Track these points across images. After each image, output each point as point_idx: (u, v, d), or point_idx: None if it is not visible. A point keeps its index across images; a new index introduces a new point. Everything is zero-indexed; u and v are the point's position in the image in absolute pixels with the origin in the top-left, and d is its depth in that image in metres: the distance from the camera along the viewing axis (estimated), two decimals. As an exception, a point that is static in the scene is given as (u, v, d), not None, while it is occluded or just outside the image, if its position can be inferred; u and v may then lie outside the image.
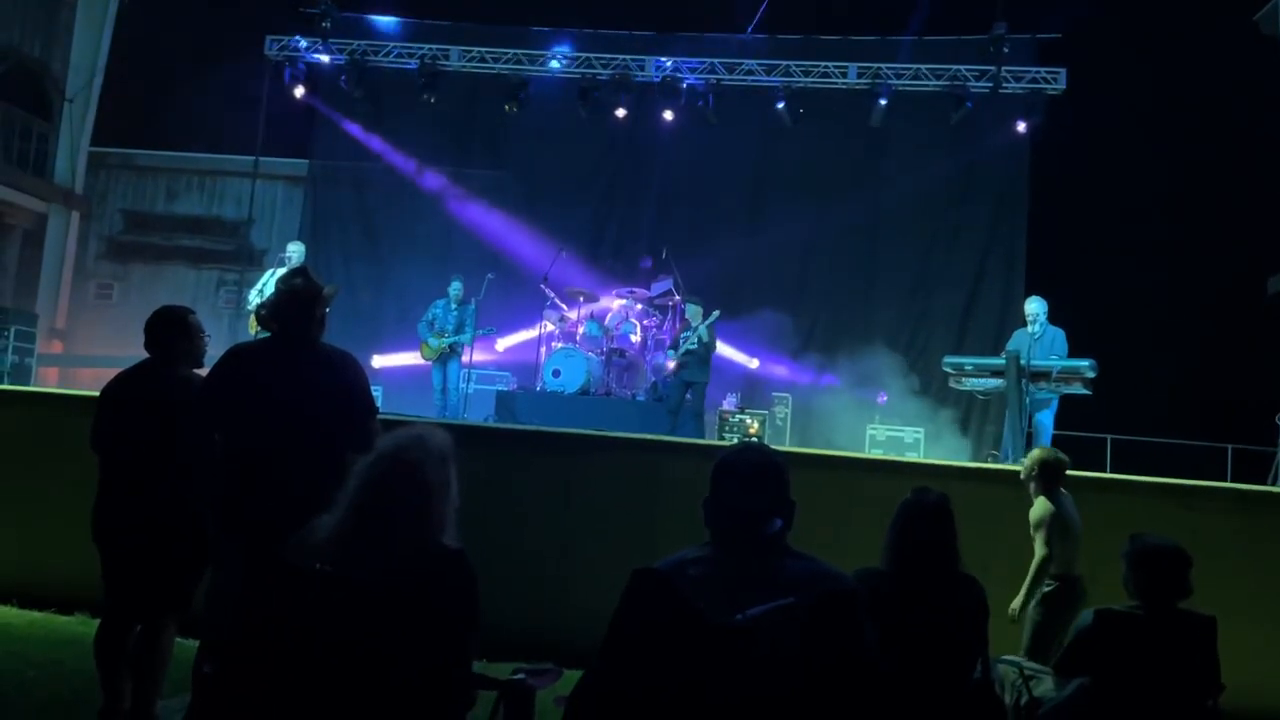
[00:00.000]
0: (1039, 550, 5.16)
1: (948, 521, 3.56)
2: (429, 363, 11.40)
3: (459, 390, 11.29)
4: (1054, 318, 8.88)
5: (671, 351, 11.08)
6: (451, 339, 11.13)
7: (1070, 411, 8.91)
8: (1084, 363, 8.12)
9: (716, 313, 11.02)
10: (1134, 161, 14.05)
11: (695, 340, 10.80)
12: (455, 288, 11.30)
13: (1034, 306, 8.88)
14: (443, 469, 2.66)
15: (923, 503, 3.59)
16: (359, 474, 2.63)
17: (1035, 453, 5.54)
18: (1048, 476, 5.32)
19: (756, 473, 2.55)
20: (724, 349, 13.73)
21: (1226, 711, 3.83)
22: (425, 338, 11.29)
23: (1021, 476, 5.43)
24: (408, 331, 13.64)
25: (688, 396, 10.84)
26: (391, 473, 2.60)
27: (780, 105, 13.95)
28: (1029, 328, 8.80)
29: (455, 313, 11.20)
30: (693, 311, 11.11)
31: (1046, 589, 5.17)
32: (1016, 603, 5.13)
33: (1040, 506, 5.24)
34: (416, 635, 2.50)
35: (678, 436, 9.65)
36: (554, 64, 14.55)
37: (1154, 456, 10.56)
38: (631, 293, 12.64)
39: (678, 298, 12.41)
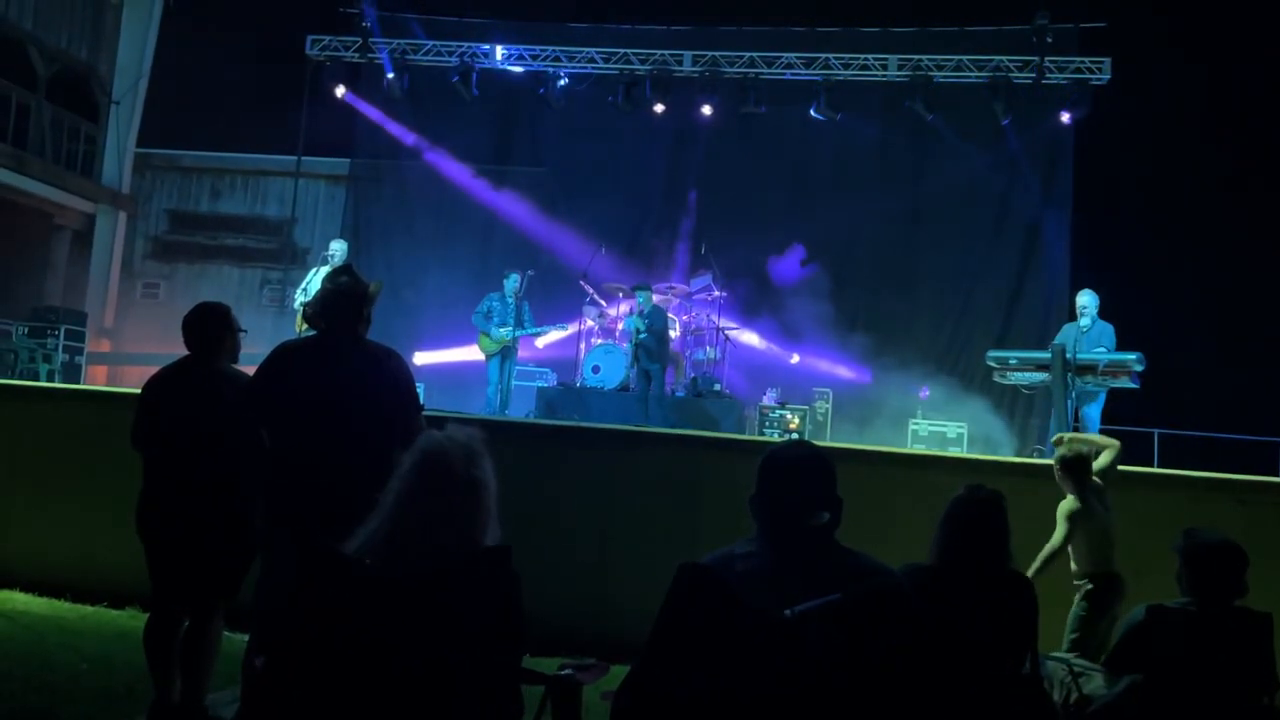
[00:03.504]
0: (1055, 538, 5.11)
1: (1000, 518, 3.51)
2: (486, 357, 11.11)
3: (510, 387, 11.22)
4: (1100, 311, 8.75)
5: (628, 346, 11.09)
6: (519, 331, 10.91)
7: (1117, 405, 8.79)
8: (1131, 356, 8.00)
9: (642, 298, 11.09)
10: (1181, 152, 13.81)
11: (643, 331, 10.81)
12: (512, 280, 11.10)
13: (1085, 299, 8.74)
14: (478, 465, 2.62)
15: (975, 499, 3.54)
16: (396, 478, 2.61)
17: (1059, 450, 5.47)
18: (1070, 471, 5.26)
19: (804, 467, 2.55)
20: (764, 344, 13.71)
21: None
22: (486, 329, 10.99)
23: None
24: (450, 328, 13.73)
25: (651, 385, 10.87)
26: (428, 475, 2.58)
27: (819, 100, 13.84)
28: (1079, 320, 8.68)
29: (512, 306, 11.03)
30: (644, 299, 11.12)
31: (1086, 587, 5.11)
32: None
33: (1066, 501, 5.21)
34: (462, 634, 2.50)
35: (650, 426, 9.55)
36: (592, 60, 14.55)
37: (1203, 451, 10.40)
38: (671, 288, 12.63)
39: (717, 292, 12.39)
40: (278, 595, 3.58)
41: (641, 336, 10.82)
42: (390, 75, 14.68)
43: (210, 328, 4.38)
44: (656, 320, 11.00)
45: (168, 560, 4.19)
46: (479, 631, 2.51)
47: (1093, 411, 8.45)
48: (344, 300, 4.00)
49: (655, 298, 12.34)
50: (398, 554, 2.52)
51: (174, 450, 4.22)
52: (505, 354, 11.03)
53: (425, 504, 2.55)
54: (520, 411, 11.44)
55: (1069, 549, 5.18)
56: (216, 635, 4.22)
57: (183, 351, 4.42)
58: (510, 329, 10.91)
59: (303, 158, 15.91)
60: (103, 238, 17.22)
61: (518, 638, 2.59)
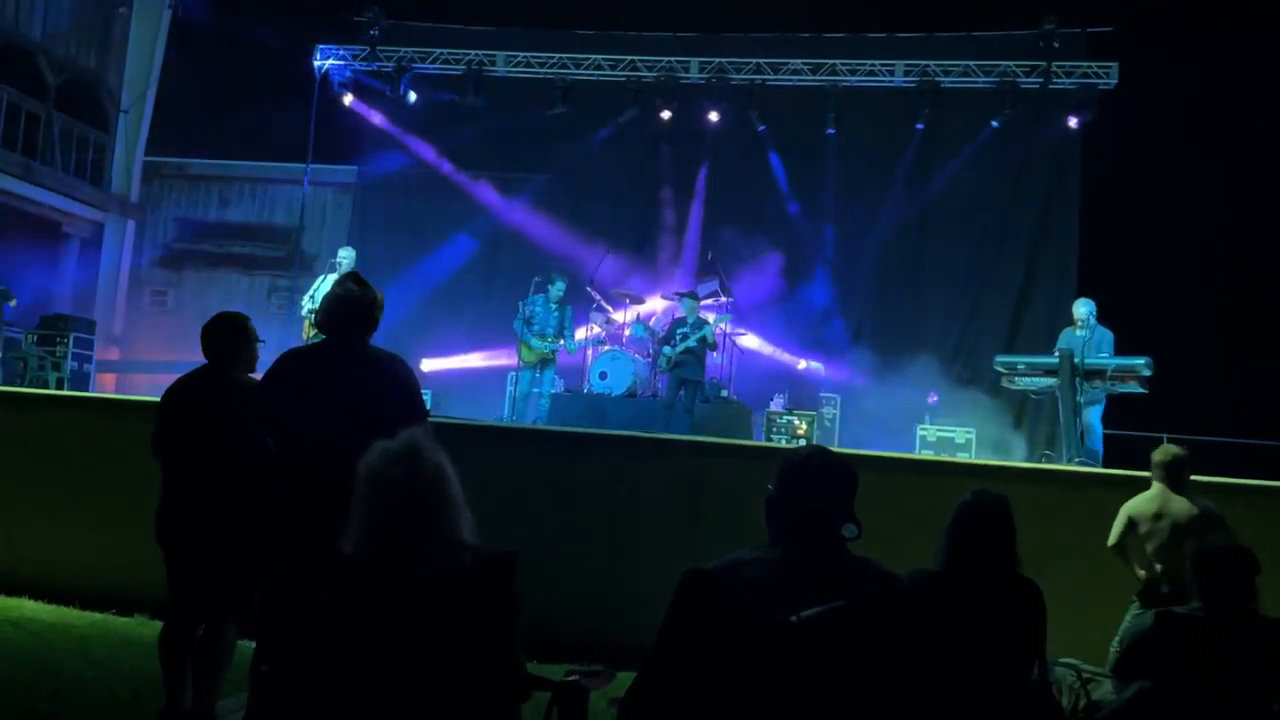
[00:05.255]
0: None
1: (1007, 524, 3.50)
2: (522, 365, 11.00)
3: (550, 396, 11.14)
4: (1108, 315, 8.74)
5: (668, 348, 10.81)
6: (557, 344, 10.82)
7: (1126, 411, 8.76)
8: (1139, 360, 7.99)
9: (687, 306, 10.91)
10: (1189, 157, 13.75)
11: (696, 339, 10.64)
12: (558, 287, 10.94)
13: (1083, 310, 8.75)
14: (427, 462, 2.60)
15: (983, 505, 3.53)
16: (358, 505, 2.58)
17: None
18: (1160, 471, 5.33)
19: (832, 475, 2.57)
20: (772, 350, 13.71)
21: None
22: (526, 338, 10.85)
23: None
24: (456, 335, 13.76)
25: (681, 393, 10.68)
26: (383, 498, 2.55)
27: (826, 106, 13.84)
28: (1076, 330, 8.67)
29: (555, 313, 10.90)
30: (689, 307, 10.94)
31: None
32: None
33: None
34: (467, 639, 2.50)
35: (671, 433, 9.48)
36: (598, 67, 14.56)
37: (1213, 456, 10.33)
38: (677, 294, 12.62)
39: (724, 299, 12.38)
40: (282, 601, 3.58)
41: (691, 344, 10.65)
42: (396, 84, 14.73)
43: (228, 337, 4.40)
44: (706, 330, 10.79)
45: (185, 567, 4.21)
46: (484, 635, 2.51)
47: (1093, 416, 8.43)
48: (353, 307, 4.01)
49: (661, 305, 12.32)
50: (389, 563, 2.52)
51: (190, 459, 4.25)
52: (544, 363, 10.93)
53: (393, 523, 2.53)
54: (528, 418, 11.42)
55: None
56: (231, 643, 4.23)
57: (190, 358, 4.44)
58: (551, 340, 10.84)
59: (310, 165, 15.94)
60: (111, 246, 17.29)
61: (514, 634, 2.58)
